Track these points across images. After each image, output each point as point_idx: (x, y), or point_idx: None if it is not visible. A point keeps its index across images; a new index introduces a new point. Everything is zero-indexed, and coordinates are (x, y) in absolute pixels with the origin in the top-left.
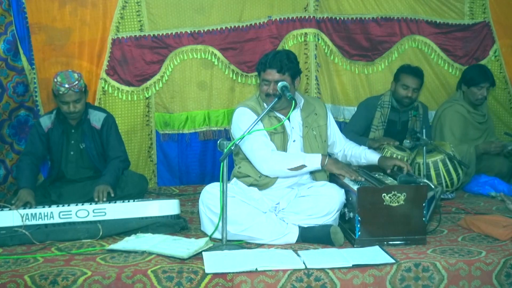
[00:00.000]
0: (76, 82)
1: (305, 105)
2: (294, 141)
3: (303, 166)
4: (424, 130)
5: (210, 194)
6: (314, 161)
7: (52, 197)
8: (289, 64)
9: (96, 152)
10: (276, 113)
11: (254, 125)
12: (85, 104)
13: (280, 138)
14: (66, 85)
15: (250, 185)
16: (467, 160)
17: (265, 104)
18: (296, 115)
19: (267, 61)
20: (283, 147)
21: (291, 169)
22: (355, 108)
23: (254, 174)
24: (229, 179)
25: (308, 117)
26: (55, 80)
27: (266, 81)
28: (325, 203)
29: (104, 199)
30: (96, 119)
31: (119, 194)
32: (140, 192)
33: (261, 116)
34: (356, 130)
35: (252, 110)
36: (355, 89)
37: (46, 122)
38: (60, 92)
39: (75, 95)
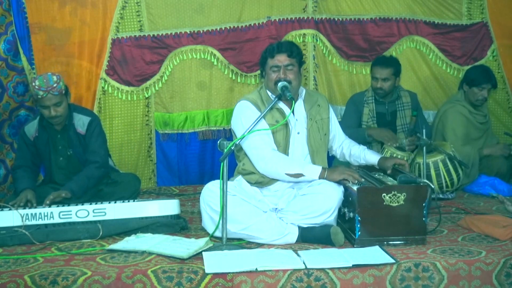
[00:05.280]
0: (55, 84)
1: (307, 97)
2: (298, 133)
3: (301, 174)
4: (424, 130)
5: (211, 191)
6: (313, 172)
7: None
8: (298, 50)
9: (85, 158)
10: (280, 104)
11: (256, 124)
12: (67, 107)
13: (283, 131)
14: (44, 88)
15: (255, 182)
16: (470, 162)
17: (269, 93)
18: (300, 107)
19: (276, 47)
20: (286, 140)
21: (289, 174)
22: None
23: (258, 171)
24: (230, 177)
25: (312, 109)
26: (33, 84)
27: (275, 67)
28: (322, 202)
29: (47, 202)
30: (81, 123)
31: (109, 197)
32: (133, 193)
33: (262, 114)
34: (350, 125)
35: (254, 104)
36: (353, 89)
37: (30, 130)
38: (39, 96)
39: (54, 98)
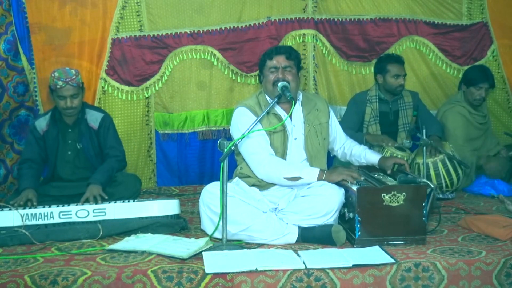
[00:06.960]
0: (74, 77)
1: (304, 101)
2: (295, 139)
3: (299, 178)
4: (424, 130)
5: (210, 193)
6: (311, 175)
7: (51, 193)
8: (296, 54)
9: (94, 152)
10: (277, 110)
11: (253, 127)
12: (82, 101)
13: (280, 137)
14: (63, 79)
15: (252, 185)
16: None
17: (267, 98)
18: (297, 113)
19: (274, 49)
20: (283, 145)
21: (287, 178)
22: None
23: (255, 175)
24: (229, 178)
25: (310, 113)
26: (53, 75)
27: (274, 68)
28: (324, 203)
29: (100, 202)
30: (94, 119)
31: (110, 198)
32: (134, 193)
33: (260, 117)
34: (350, 127)
35: (251, 110)
36: (352, 89)
37: (41, 125)
38: (58, 86)
39: (72, 90)
